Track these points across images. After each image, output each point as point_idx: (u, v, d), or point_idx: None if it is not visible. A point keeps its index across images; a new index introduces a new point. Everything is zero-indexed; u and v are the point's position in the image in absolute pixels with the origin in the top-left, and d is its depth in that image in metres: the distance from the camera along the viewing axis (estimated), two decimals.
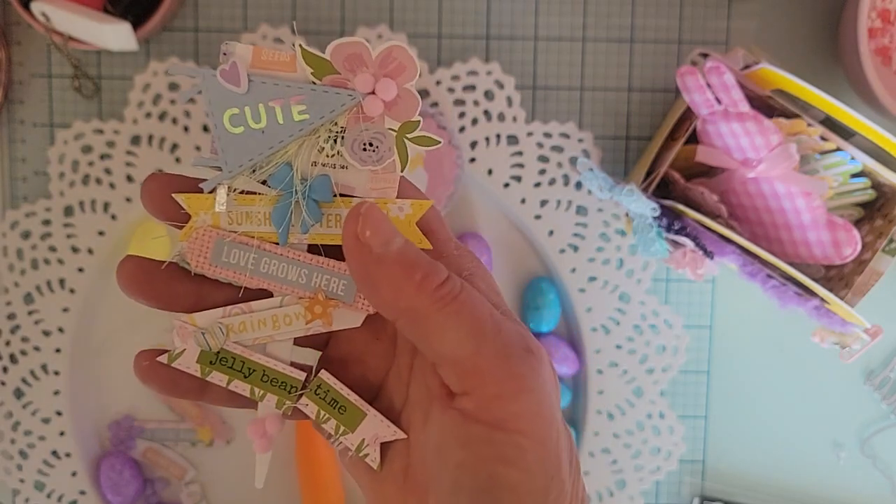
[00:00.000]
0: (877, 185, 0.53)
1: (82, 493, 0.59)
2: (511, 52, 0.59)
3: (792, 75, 0.47)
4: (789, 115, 0.52)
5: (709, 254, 0.51)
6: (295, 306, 0.29)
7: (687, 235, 0.50)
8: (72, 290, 0.58)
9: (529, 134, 0.58)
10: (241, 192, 0.29)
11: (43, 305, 0.58)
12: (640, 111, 0.59)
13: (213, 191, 0.28)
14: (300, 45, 0.27)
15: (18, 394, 0.59)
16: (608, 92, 0.59)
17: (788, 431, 0.62)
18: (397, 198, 0.29)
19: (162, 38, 0.58)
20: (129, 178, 0.58)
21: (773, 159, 0.49)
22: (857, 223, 0.53)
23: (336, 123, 0.28)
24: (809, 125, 0.51)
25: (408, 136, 0.28)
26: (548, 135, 0.58)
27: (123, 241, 0.59)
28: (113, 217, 0.58)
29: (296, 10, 0.58)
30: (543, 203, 0.59)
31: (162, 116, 0.57)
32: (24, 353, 0.58)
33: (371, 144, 0.28)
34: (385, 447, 0.30)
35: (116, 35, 0.53)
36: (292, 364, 0.30)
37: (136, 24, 0.53)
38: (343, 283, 0.29)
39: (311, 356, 0.31)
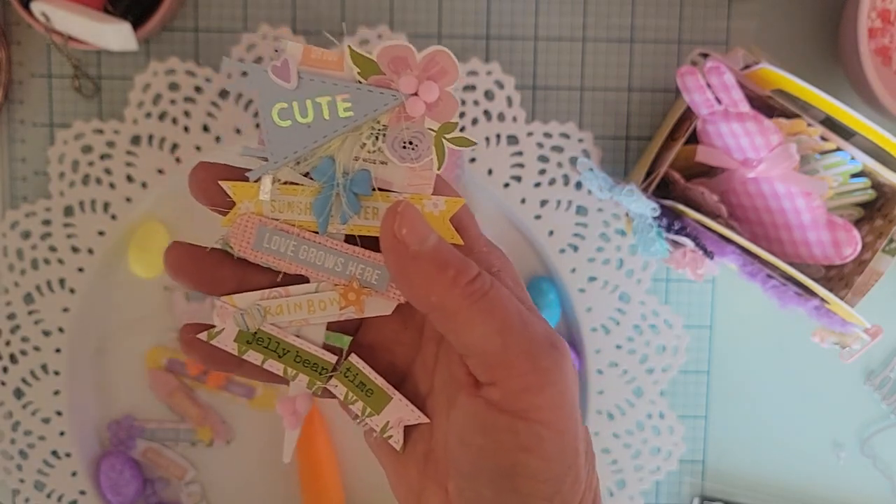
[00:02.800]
0: (877, 185, 0.53)
1: (82, 493, 0.59)
2: (511, 52, 0.59)
3: (792, 75, 0.47)
4: (789, 115, 0.52)
5: (709, 254, 0.51)
6: (330, 292, 0.31)
7: (687, 235, 0.50)
8: (72, 290, 0.58)
9: (529, 134, 0.58)
10: (285, 183, 0.30)
11: (43, 305, 0.58)
12: (640, 111, 0.59)
13: (257, 180, 0.30)
14: (349, 46, 0.29)
15: (18, 394, 0.59)
16: (608, 92, 0.59)
17: (788, 431, 0.62)
18: (433, 195, 0.30)
19: (162, 38, 0.58)
20: (129, 178, 0.58)
21: (773, 159, 0.50)
22: (857, 223, 0.54)
23: (379, 121, 0.29)
24: (809, 125, 0.51)
25: (446, 136, 0.30)
26: (548, 135, 0.58)
27: (123, 242, 0.59)
28: (113, 217, 0.58)
29: (296, 10, 0.58)
30: (543, 203, 0.59)
31: (162, 116, 0.57)
32: (24, 353, 0.58)
33: (411, 143, 0.29)
34: (408, 431, 0.31)
35: (116, 35, 0.53)
36: (324, 347, 0.31)
37: (137, 24, 0.53)
38: (377, 272, 0.31)
39: (342, 341, 0.33)
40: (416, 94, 0.29)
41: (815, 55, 0.59)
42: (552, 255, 0.59)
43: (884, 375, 0.61)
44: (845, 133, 0.51)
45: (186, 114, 0.57)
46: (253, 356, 0.31)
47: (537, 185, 0.58)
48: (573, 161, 0.58)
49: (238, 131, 0.57)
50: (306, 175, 0.30)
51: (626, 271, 0.59)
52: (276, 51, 0.29)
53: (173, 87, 0.57)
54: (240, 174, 0.30)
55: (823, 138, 0.51)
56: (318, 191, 0.30)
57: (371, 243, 0.30)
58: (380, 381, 0.31)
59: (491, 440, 0.27)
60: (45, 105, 0.59)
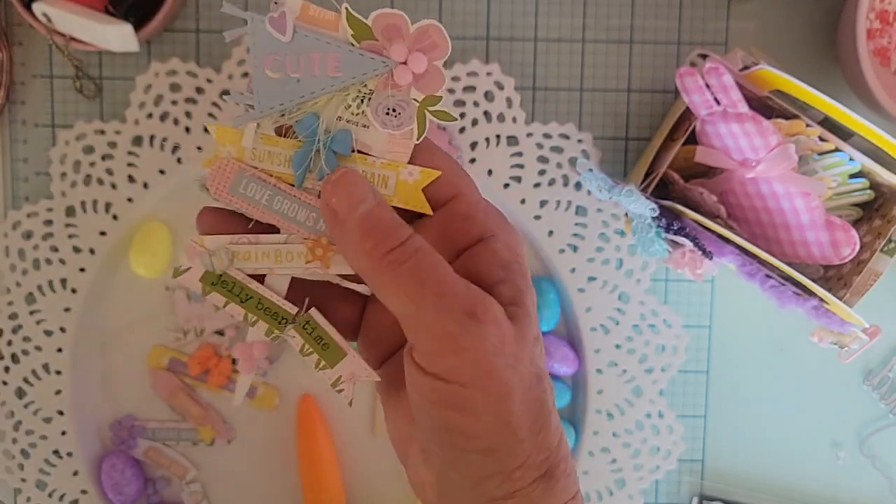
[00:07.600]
0: (875, 186, 0.53)
1: (84, 492, 0.60)
2: (511, 54, 0.59)
3: (791, 76, 0.47)
4: (788, 116, 0.52)
5: (708, 254, 0.51)
6: (298, 245, 0.31)
7: (686, 236, 0.51)
8: (73, 290, 0.58)
9: (529, 135, 0.58)
10: (268, 133, 0.31)
11: (45, 305, 0.58)
12: (640, 112, 0.60)
13: (241, 127, 0.31)
14: (346, 7, 0.29)
15: (20, 393, 0.59)
16: (607, 93, 0.59)
17: (787, 431, 0.62)
18: (410, 164, 0.31)
19: (163, 39, 0.58)
20: (131, 179, 0.58)
21: (771, 160, 0.50)
22: (856, 223, 0.54)
23: (366, 85, 0.30)
24: (808, 126, 0.51)
25: (429, 108, 0.30)
26: (547, 135, 0.59)
27: (125, 242, 0.59)
28: (115, 217, 0.58)
29: None
30: (543, 203, 0.59)
31: (163, 117, 0.57)
32: (25, 352, 0.59)
33: (394, 110, 0.30)
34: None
35: (118, 36, 0.53)
36: (287, 299, 0.32)
37: (138, 25, 0.53)
38: None
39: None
40: (405, 63, 0.29)
41: (814, 56, 0.59)
42: (552, 255, 0.59)
43: (882, 375, 0.61)
44: (844, 133, 0.51)
45: (188, 114, 0.58)
46: (216, 298, 0.31)
47: (537, 185, 0.59)
48: (573, 162, 0.59)
49: None
50: (289, 130, 0.31)
51: (626, 271, 0.59)
52: (275, 2, 0.29)
53: (174, 87, 0.58)
54: (237, 216, 0.31)
55: (822, 139, 0.51)
56: (298, 144, 0.30)
57: None
58: (337, 336, 0.32)
59: (420, 397, 0.29)
60: (46, 106, 0.59)
